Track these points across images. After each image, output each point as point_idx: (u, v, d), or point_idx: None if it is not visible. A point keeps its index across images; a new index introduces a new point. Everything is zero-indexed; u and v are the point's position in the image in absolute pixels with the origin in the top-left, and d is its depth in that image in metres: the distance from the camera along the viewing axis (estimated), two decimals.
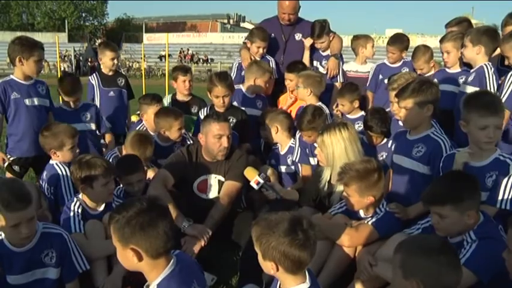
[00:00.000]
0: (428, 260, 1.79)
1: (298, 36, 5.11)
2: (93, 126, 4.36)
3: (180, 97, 4.93)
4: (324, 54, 5.08)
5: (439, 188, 2.37)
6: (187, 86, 4.85)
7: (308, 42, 5.01)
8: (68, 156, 3.37)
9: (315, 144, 3.88)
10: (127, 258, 1.84)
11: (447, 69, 4.12)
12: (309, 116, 3.84)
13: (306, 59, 5.05)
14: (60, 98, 4.39)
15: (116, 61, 5.07)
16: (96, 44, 38.57)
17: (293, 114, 4.54)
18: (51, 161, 3.45)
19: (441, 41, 4.08)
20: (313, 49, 5.10)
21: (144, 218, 1.79)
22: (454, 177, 2.41)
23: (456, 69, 4.05)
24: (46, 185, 3.38)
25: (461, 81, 3.94)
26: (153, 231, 1.79)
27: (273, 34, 5.12)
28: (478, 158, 2.67)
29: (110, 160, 3.75)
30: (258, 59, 4.96)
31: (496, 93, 3.32)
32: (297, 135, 4.06)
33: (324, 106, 4.45)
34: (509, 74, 3.32)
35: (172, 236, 1.85)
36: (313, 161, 3.96)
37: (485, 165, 2.65)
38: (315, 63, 5.13)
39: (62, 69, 31.66)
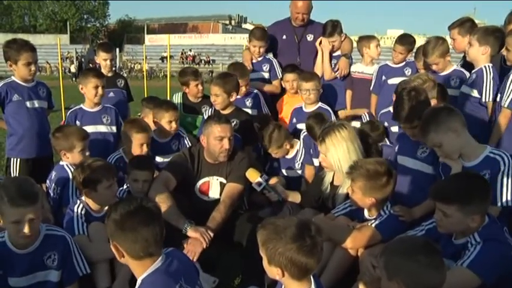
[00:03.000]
0: (408, 261, 1.79)
1: (310, 37, 5.11)
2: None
3: (192, 98, 4.91)
4: (334, 54, 5.09)
5: (450, 186, 2.33)
6: (200, 89, 4.81)
7: (324, 41, 4.98)
8: (78, 158, 3.35)
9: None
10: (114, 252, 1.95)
11: (439, 73, 4.09)
12: (318, 123, 3.78)
13: (319, 60, 5.04)
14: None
15: (108, 62, 5.00)
16: None
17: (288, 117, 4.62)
18: (61, 162, 3.45)
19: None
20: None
21: (126, 221, 1.88)
22: (468, 179, 2.34)
23: (447, 70, 4.05)
24: (53, 184, 3.37)
25: (453, 82, 3.95)
26: (132, 236, 1.86)
27: (284, 36, 5.14)
28: (468, 157, 2.66)
29: (113, 161, 3.75)
30: (258, 59, 4.99)
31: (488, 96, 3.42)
32: (301, 136, 4.05)
33: (325, 106, 4.45)
34: (511, 73, 3.29)
35: (156, 241, 1.89)
36: (316, 161, 3.95)
37: (476, 165, 2.63)
38: None
39: (70, 69, 31.89)
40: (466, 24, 4.13)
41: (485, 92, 3.49)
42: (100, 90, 4.06)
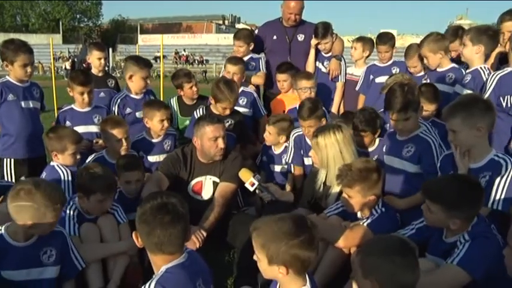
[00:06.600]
0: (383, 260, 1.81)
1: (301, 37, 5.14)
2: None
3: (187, 100, 4.88)
4: (326, 55, 5.11)
5: (441, 186, 2.34)
6: (195, 90, 4.79)
7: (314, 42, 5.02)
8: (68, 160, 3.34)
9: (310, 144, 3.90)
10: None
11: (437, 70, 4.11)
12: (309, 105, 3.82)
13: (311, 59, 5.08)
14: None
15: (102, 61, 4.96)
16: None
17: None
18: (52, 163, 3.42)
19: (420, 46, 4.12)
20: (315, 50, 5.12)
21: (153, 218, 1.90)
22: (463, 185, 2.31)
23: (443, 67, 4.06)
24: None
25: (448, 79, 3.96)
26: (149, 231, 1.90)
27: (275, 36, 5.16)
28: (473, 158, 2.68)
29: (93, 160, 3.67)
30: (245, 58, 4.97)
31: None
32: (292, 136, 4.06)
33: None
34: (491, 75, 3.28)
35: (180, 240, 1.93)
36: (307, 161, 3.97)
37: (479, 167, 2.65)
38: (317, 63, 5.15)
39: (65, 67, 31.66)
40: (460, 31, 4.15)
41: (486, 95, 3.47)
42: (86, 97, 4.04)
